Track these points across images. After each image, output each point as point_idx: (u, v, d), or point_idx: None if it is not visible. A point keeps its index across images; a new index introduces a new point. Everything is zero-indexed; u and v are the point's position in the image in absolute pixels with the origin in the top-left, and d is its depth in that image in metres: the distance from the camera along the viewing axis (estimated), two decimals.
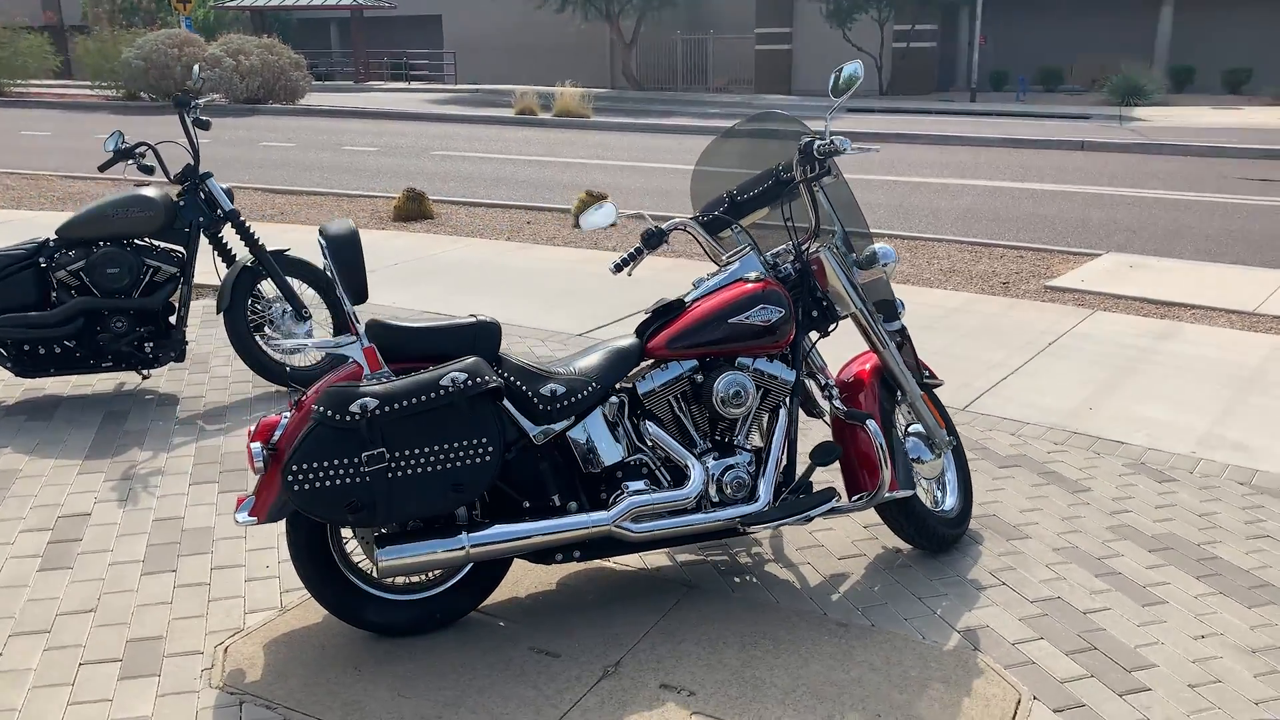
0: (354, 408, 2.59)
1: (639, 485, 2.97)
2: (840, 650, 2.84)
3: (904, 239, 8.89)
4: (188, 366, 5.03)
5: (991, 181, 12.51)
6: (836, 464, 3.21)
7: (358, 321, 2.81)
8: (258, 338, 4.74)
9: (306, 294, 4.94)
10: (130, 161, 4.86)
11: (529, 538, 2.81)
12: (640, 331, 3.12)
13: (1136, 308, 6.70)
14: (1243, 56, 29.73)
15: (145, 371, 4.82)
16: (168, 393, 4.77)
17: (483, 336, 2.88)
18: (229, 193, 4.80)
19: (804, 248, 3.24)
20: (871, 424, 3.11)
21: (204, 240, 4.81)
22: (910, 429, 3.39)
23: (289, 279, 4.84)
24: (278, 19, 35.53)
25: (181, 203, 4.70)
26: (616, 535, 2.90)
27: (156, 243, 4.67)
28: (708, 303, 3.09)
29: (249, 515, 2.71)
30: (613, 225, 3.27)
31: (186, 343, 4.73)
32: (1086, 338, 5.90)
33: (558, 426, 2.89)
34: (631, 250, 3.34)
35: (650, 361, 3.10)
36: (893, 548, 3.42)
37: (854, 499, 3.18)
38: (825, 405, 3.37)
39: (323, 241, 2.77)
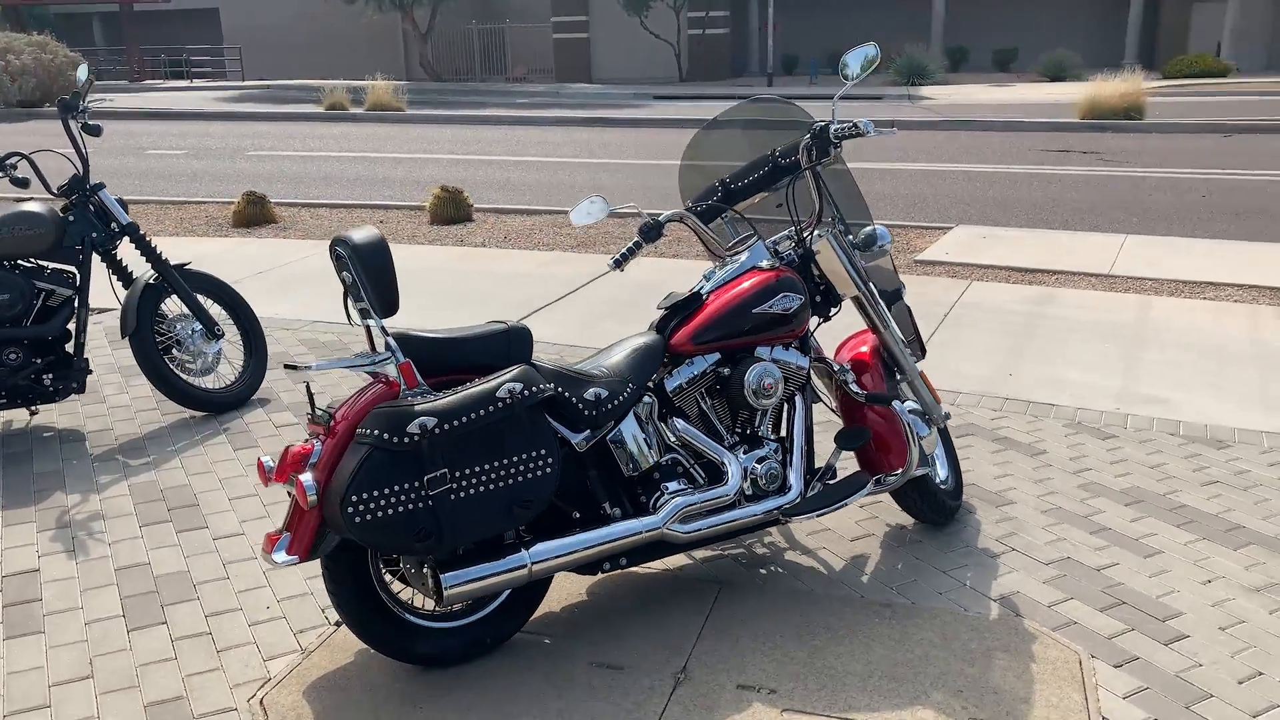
0: (413, 428, 2.40)
1: (677, 485, 2.89)
2: (897, 631, 2.86)
3: (764, 222, 9.05)
4: (80, 398, 4.56)
5: None
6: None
7: (385, 334, 2.61)
8: (169, 361, 4.36)
9: (212, 310, 4.57)
10: (0, 175, 4.35)
11: (588, 549, 2.69)
12: (660, 328, 3.04)
13: (1005, 276, 7.07)
14: (1010, 36, 32.00)
15: (35, 406, 4.34)
16: (68, 428, 4.31)
17: (516, 343, 2.73)
18: (123, 204, 4.37)
19: (806, 233, 3.23)
20: (898, 405, 3.14)
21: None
22: (908, 406, 3.45)
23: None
24: (33, 13, 32.79)
25: (70, 218, 4.25)
26: (667, 538, 2.82)
27: (45, 264, 4.20)
28: (727, 294, 3.03)
29: (288, 555, 2.48)
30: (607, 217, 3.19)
31: (90, 372, 4.29)
32: (975, 307, 6.18)
33: (600, 432, 2.78)
34: (630, 245, 3.25)
35: (665, 359, 3.02)
36: (896, 525, 3.48)
37: (875, 480, 3.20)
38: (825, 390, 3.38)
39: (345, 251, 2.55)
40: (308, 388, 2.59)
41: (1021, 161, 12.76)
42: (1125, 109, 15.97)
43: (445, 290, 6.58)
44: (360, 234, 2.56)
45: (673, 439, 2.95)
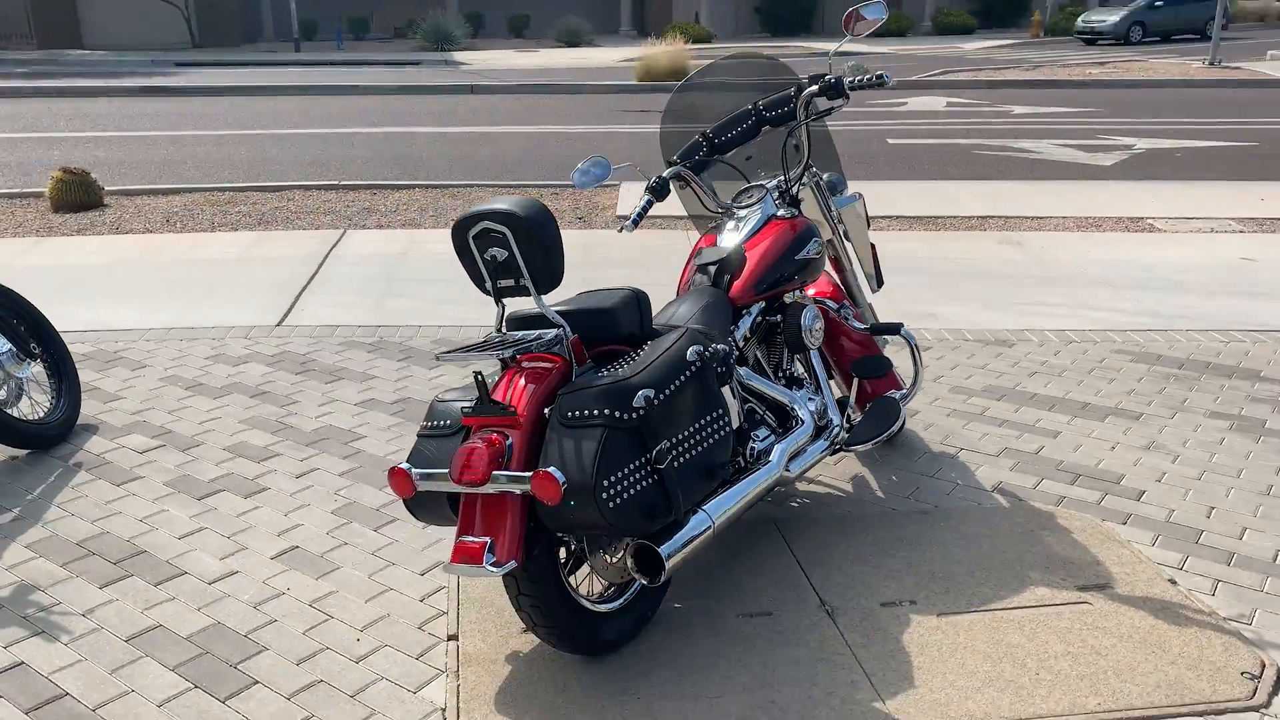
0: (638, 403, 2.27)
1: (764, 431, 2.97)
2: (952, 533, 3.18)
3: (442, 188, 8.88)
4: None
5: (428, 128, 12.79)
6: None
7: (545, 309, 2.41)
8: None
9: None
10: None
11: (742, 499, 2.67)
12: (715, 282, 3.06)
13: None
14: (521, 3, 33.19)
15: None
16: None
17: (644, 306, 2.65)
18: None
19: (795, 182, 3.39)
20: (905, 331, 3.43)
21: None
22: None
23: None
24: None
25: None
26: (782, 480, 2.89)
27: None
28: (767, 244, 3.13)
29: (504, 561, 2.23)
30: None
31: None
32: None
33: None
34: (641, 204, 3.22)
35: None
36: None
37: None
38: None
39: (505, 224, 2.30)
40: (479, 378, 2.31)
41: (610, 122, 13.54)
42: (674, 72, 17.44)
43: (185, 280, 5.77)
44: (518, 205, 2.33)
45: (741, 389, 3.01)
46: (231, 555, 3.00)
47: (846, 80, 3.23)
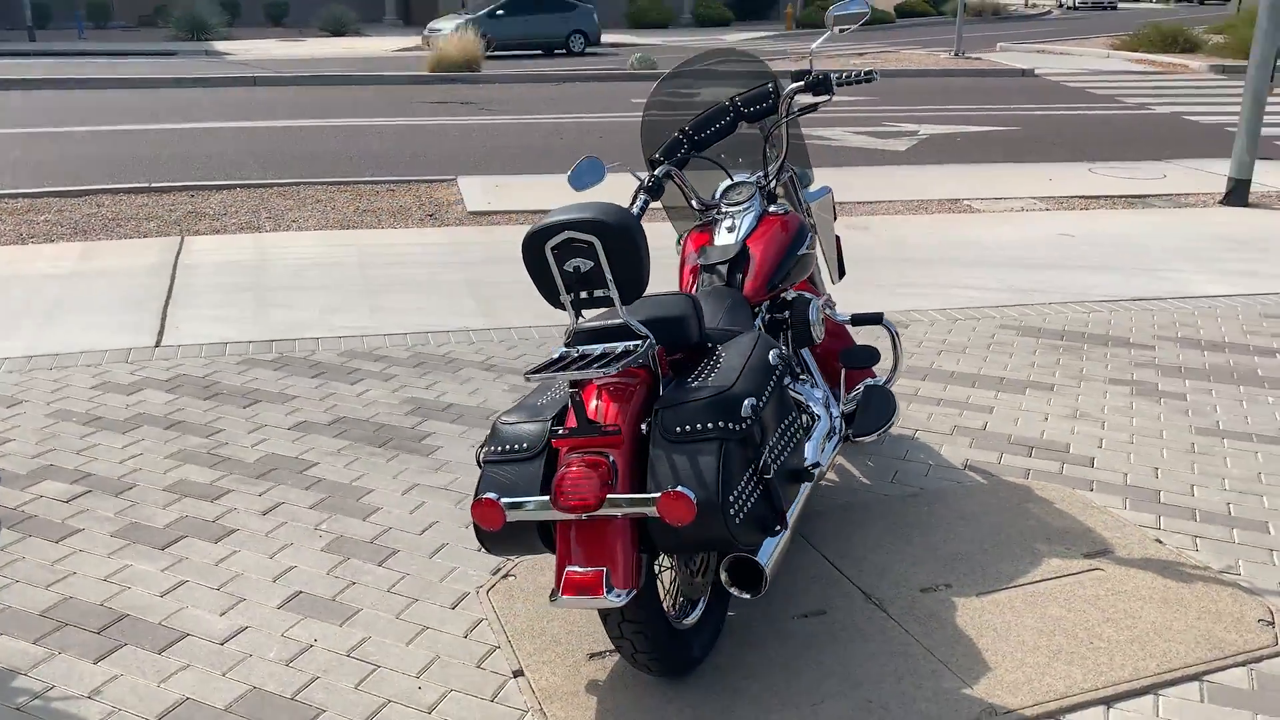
0: (745, 412, 2.20)
1: None
2: (956, 514, 3.27)
3: (268, 187, 8.33)
4: None
5: (225, 123, 11.98)
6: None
7: (627, 319, 2.30)
8: None
9: None
10: None
11: (803, 495, 2.65)
12: (729, 281, 3.01)
13: None
14: None
15: None
16: None
17: (701, 311, 2.57)
18: None
19: (773, 177, 3.38)
20: (886, 320, 3.49)
21: None
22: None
23: None
24: None
25: None
26: (821, 472, 2.89)
27: None
28: (767, 242, 3.11)
29: (624, 589, 2.11)
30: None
31: None
32: None
33: None
34: (639, 205, 3.14)
35: None
36: None
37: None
38: None
39: (593, 234, 2.17)
40: (575, 397, 2.17)
41: (420, 114, 13.13)
42: (466, 62, 17.11)
43: (9, 303, 5.13)
44: (605, 212, 2.20)
45: None
46: (232, 609, 2.70)
47: (834, 76, 3.25)
